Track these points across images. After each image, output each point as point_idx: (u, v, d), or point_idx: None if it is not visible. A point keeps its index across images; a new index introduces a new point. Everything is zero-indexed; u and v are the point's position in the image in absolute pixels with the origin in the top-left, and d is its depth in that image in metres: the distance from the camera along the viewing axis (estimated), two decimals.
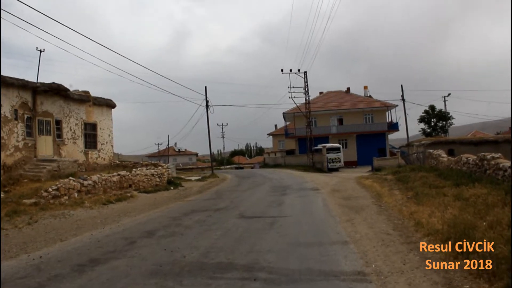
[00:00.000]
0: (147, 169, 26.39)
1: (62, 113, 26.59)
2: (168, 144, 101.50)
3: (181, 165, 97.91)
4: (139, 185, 23.93)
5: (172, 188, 25.84)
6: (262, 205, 15.42)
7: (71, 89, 27.66)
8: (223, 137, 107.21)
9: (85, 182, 19.31)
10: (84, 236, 10.15)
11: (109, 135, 31.85)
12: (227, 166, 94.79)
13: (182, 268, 6.64)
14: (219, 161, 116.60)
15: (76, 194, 18.17)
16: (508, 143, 35.05)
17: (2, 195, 16.59)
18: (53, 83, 24.98)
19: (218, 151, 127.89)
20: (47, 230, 11.28)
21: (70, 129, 27.42)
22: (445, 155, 21.32)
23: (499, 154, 14.00)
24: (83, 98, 28.76)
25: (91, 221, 12.85)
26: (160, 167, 28.84)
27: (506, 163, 12.75)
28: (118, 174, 22.61)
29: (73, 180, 18.71)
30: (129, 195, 20.42)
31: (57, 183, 17.96)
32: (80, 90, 29.57)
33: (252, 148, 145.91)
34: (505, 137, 39.37)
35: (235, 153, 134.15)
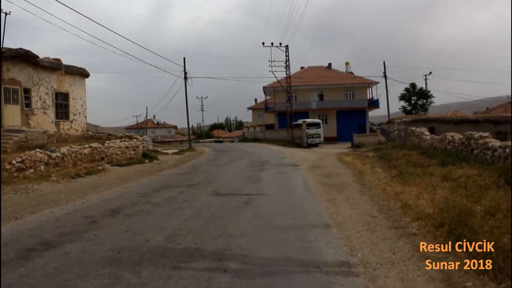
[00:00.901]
0: (121, 142, 25.33)
1: (31, 81, 25.20)
2: (146, 117, 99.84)
3: (159, 138, 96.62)
4: (112, 158, 22.93)
5: (147, 161, 24.92)
6: (238, 181, 14.62)
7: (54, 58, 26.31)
8: (202, 110, 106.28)
9: (53, 154, 18.23)
10: (42, 214, 9.23)
11: (82, 106, 30.56)
12: (206, 140, 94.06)
13: (142, 255, 5.81)
14: (198, 134, 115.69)
15: (43, 167, 17.10)
16: (489, 123, 34.88)
17: None
18: (20, 48, 23.54)
19: (197, 124, 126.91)
20: (5, 206, 10.31)
21: (40, 98, 26.07)
22: (428, 133, 20.75)
23: (487, 133, 13.42)
24: (54, 66, 27.32)
25: (54, 196, 11.90)
26: (135, 140, 27.78)
27: (495, 142, 12.14)
28: (90, 146, 21.55)
29: (40, 152, 17.61)
30: (100, 168, 19.45)
31: (22, 155, 16.88)
32: (51, 57, 28.14)
33: (232, 122, 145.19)
34: (485, 116, 39.23)
35: (214, 126, 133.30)
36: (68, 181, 15.45)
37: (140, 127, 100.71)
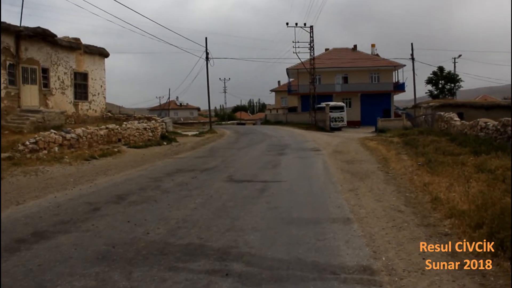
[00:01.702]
0: (139, 123, 24.87)
1: (49, 60, 24.83)
2: (169, 98, 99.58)
3: (182, 119, 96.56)
4: (130, 139, 22.48)
5: (165, 143, 24.41)
6: (256, 166, 13.93)
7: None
8: (225, 92, 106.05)
9: (68, 135, 17.83)
10: (45, 199, 8.71)
11: (101, 86, 30.17)
12: (229, 122, 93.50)
13: (138, 252, 5.18)
14: (221, 116, 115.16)
15: (56, 149, 16.72)
16: None
17: None
18: (38, 27, 23.09)
19: (220, 106, 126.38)
20: (10, 189, 9.85)
21: (58, 78, 25.72)
22: (457, 119, 19.69)
23: None
24: (73, 46, 26.90)
25: (63, 179, 11.43)
26: (153, 121, 27.32)
27: None
28: (106, 128, 21.14)
29: (54, 133, 17.22)
30: (116, 150, 18.98)
31: (36, 135, 16.50)
32: (70, 37, 27.70)
33: (255, 104, 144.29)
34: None
35: (237, 108, 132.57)
36: (81, 163, 14.99)
37: (163, 109, 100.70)
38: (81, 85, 28.00)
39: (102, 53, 30.06)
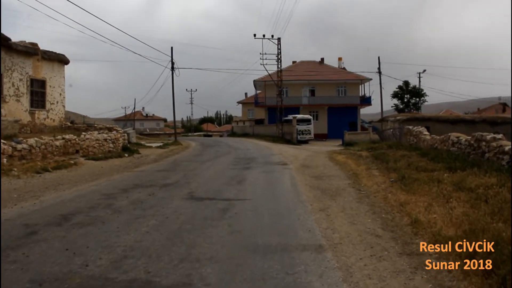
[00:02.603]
0: (99, 133, 23.65)
1: (3, 66, 23.39)
2: (134, 108, 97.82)
3: (148, 130, 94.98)
4: (89, 150, 21.29)
5: (126, 155, 23.27)
6: (220, 181, 13.03)
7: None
8: (191, 103, 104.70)
9: (19, 146, 16.57)
10: None
11: (60, 94, 28.76)
12: (195, 133, 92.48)
13: None
14: (188, 127, 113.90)
15: (5, 160, 15.45)
16: (486, 124, 33.60)
17: None
18: None
19: (187, 117, 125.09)
20: None
21: (13, 85, 24.28)
22: (427, 133, 19.30)
23: (501, 134, 11.99)
24: (30, 51, 25.50)
25: (6, 195, 10.25)
26: (114, 132, 26.10)
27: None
28: (63, 138, 19.89)
29: (3, 143, 15.96)
30: (72, 162, 17.80)
31: None
32: (27, 41, 26.32)
33: (222, 116, 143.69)
34: (482, 117, 37.94)
35: (204, 120, 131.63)
36: (31, 176, 13.85)
37: (128, 119, 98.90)
38: (38, 93, 26.58)
39: (61, 60, 28.70)
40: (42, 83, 26.87)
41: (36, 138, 17.89)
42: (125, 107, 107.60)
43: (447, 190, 8.61)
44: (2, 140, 16.20)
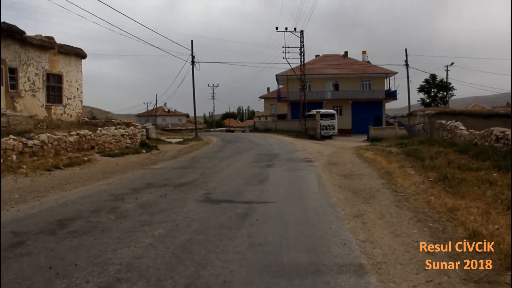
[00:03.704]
0: (116, 129, 22.83)
1: (18, 60, 22.72)
2: (156, 103, 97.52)
3: (170, 125, 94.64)
4: (105, 147, 20.48)
5: (144, 151, 22.42)
6: (239, 180, 11.91)
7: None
8: (213, 99, 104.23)
9: (30, 142, 15.77)
10: None
11: (77, 89, 28.06)
12: (217, 129, 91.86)
13: None
14: (210, 123, 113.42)
15: (15, 157, 14.66)
16: None
17: None
18: (3, 22, 20.99)
19: (209, 113, 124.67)
20: None
21: (29, 80, 23.60)
22: (463, 127, 17.87)
23: None
24: (46, 45, 24.80)
25: (7, 195, 9.38)
26: (132, 127, 25.27)
27: None
28: (77, 134, 19.08)
29: (13, 139, 15.17)
30: (86, 159, 16.95)
31: None
32: (43, 35, 25.60)
33: (244, 111, 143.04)
34: None
35: (226, 115, 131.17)
36: (39, 174, 13.00)
37: (150, 115, 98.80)
38: (54, 88, 25.92)
39: (78, 54, 27.98)
40: (58, 78, 26.20)
41: (48, 134, 17.08)
42: (147, 103, 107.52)
43: (505, 194, 7.36)
44: (12, 136, 15.44)
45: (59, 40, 26.17)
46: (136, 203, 8.53)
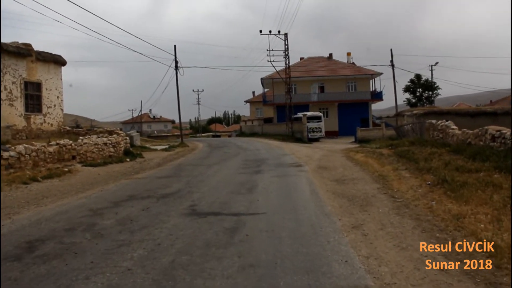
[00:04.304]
0: (98, 137, 22.06)
1: None
2: (141, 110, 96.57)
3: (155, 132, 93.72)
4: (87, 156, 19.73)
5: (128, 160, 21.71)
6: (227, 189, 11.27)
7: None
8: (198, 104, 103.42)
9: (6, 154, 15.00)
10: None
11: (58, 97, 27.14)
12: (203, 134, 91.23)
13: None
14: (196, 128, 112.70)
15: None
16: (509, 116, 31.57)
17: None
18: None
19: (195, 118, 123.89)
20: None
21: (5, 88, 22.69)
22: (455, 127, 17.43)
23: None
24: (23, 52, 23.90)
25: None
26: (115, 135, 24.50)
27: None
28: (57, 144, 18.31)
29: None
30: (66, 169, 16.21)
31: None
32: (20, 42, 24.75)
33: (230, 116, 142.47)
34: (504, 108, 35.78)
35: (212, 120, 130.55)
36: (15, 188, 12.28)
37: (135, 122, 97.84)
38: (33, 96, 25.00)
39: (58, 61, 27.07)
40: (37, 86, 25.30)
41: (25, 145, 16.30)
42: (132, 110, 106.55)
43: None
44: None
45: (42, 48, 25.37)
46: (115, 219, 7.86)
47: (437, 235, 5.95)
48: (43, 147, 17.17)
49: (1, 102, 22.27)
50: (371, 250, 5.48)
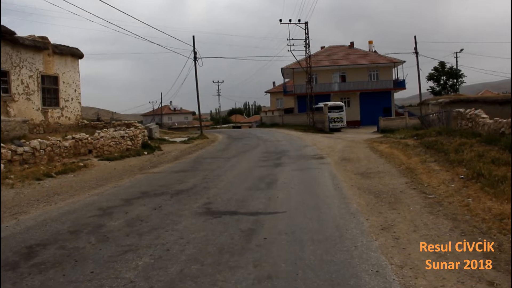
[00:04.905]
0: (115, 131, 21.69)
1: (9, 62, 21.53)
2: (161, 102, 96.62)
3: (176, 124, 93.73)
4: (103, 150, 19.38)
5: (146, 153, 21.33)
6: (245, 185, 10.66)
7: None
8: (218, 95, 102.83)
9: (20, 149, 14.67)
10: None
11: (75, 90, 26.83)
12: (224, 125, 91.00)
13: None
14: (216, 120, 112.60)
15: (2, 166, 13.55)
16: None
17: None
18: None
19: (216, 109, 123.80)
20: None
21: (22, 82, 22.42)
22: (485, 116, 16.53)
23: None
24: (39, 45, 23.56)
25: None
26: (133, 128, 24.12)
27: None
28: (73, 138, 17.98)
29: (1, 146, 14.09)
30: (82, 164, 15.83)
31: None
32: (36, 35, 24.46)
33: (251, 106, 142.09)
34: None
35: (233, 111, 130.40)
36: (28, 184, 11.90)
37: (156, 114, 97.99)
38: (50, 90, 24.71)
39: (74, 54, 26.73)
40: (54, 80, 25.00)
41: (40, 140, 15.96)
42: (152, 102, 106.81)
43: None
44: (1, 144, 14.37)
45: (65, 42, 25.14)
46: (124, 219, 7.34)
47: (478, 238, 5.26)
48: (58, 141, 16.85)
49: (19, 96, 22.03)
50: (405, 257, 4.83)
